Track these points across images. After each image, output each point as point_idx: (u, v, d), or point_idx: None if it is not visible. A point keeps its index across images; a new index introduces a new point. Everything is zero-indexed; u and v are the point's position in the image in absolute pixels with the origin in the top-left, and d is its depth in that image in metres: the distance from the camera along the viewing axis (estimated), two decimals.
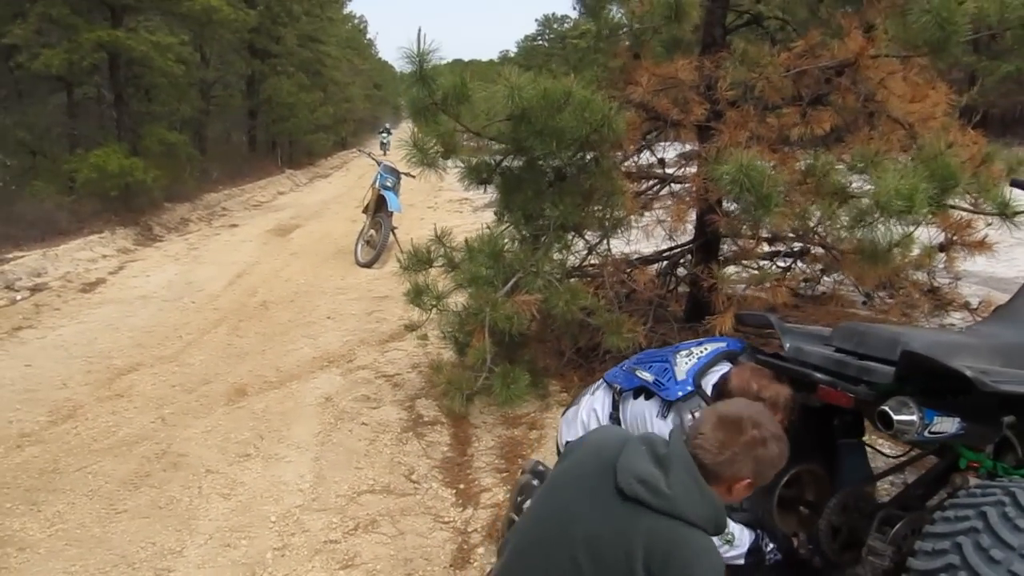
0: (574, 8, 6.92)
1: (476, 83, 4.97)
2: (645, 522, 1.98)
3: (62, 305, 8.66)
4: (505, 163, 5.48)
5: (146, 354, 6.88)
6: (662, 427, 3.13)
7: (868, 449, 3.42)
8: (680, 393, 3.15)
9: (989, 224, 5.55)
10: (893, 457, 3.84)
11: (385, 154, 25.95)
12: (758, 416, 2.18)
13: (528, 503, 3.15)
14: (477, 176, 5.53)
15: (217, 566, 3.74)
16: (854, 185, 4.55)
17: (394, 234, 11.13)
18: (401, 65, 4.78)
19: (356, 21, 49.98)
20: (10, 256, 9.76)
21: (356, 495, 4.39)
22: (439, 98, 4.71)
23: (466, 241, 5.35)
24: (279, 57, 24.76)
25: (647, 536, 1.97)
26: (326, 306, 8.63)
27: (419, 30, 4.57)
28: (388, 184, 11.32)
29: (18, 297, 8.71)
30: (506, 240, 5.30)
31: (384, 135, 34.83)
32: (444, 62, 4.74)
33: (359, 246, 11.24)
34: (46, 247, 10.50)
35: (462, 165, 5.52)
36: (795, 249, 6.22)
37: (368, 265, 10.74)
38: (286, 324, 7.91)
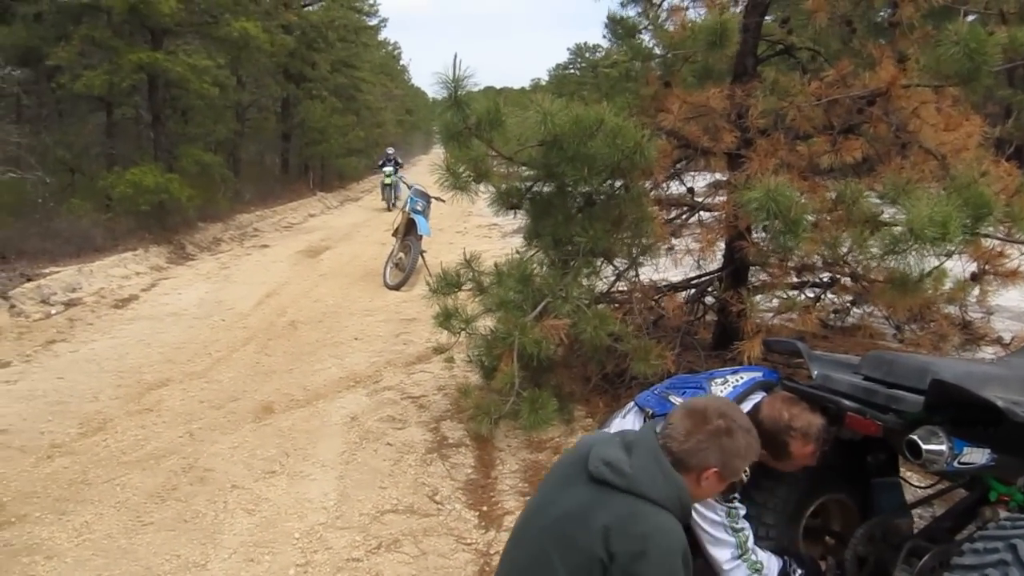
0: (604, 36, 6.99)
1: (508, 109, 5.02)
2: (607, 500, 2.08)
3: (95, 320, 8.79)
4: (535, 188, 5.52)
5: (176, 370, 6.96)
6: None
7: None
8: None
9: (1023, 254, 5.50)
10: (922, 489, 3.79)
11: (387, 203, 22.86)
12: (725, 408, 2.27)
13: None
14: (507, 201, 5.57)
15: None
16: (885, 215, 4.53)
17: (423, 258, 11.20)
18: (436, 91, 4.84)
19: (390, 48, 50.37)
20: (46, 271, 9.92)
21: (380, 514, 4.40)
22: (472, 123, 4.75)
23: (495, 265, 5.38)
24: (313, 82, 25.09)
25: (608, 513, 2.05)
26: (354, 327, 8.68)
27: (455, 56, 4.63)
28: (418, 208, 11.42)
29: (53, 311, 8.85)
30: (535, 265, 5.32)
31: (387, 168, 23.11)
32: (478, 88, 4.79)
33: (388, 269, 11.32)
34: (81, 263, 10.66)
35: (493, 190, 5.56)
36: (824, 280, 6.19)
37: (396, 288, 10.80)
38: (314, 344, 7.97)
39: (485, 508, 4.51)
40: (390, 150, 24.71)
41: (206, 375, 6.84)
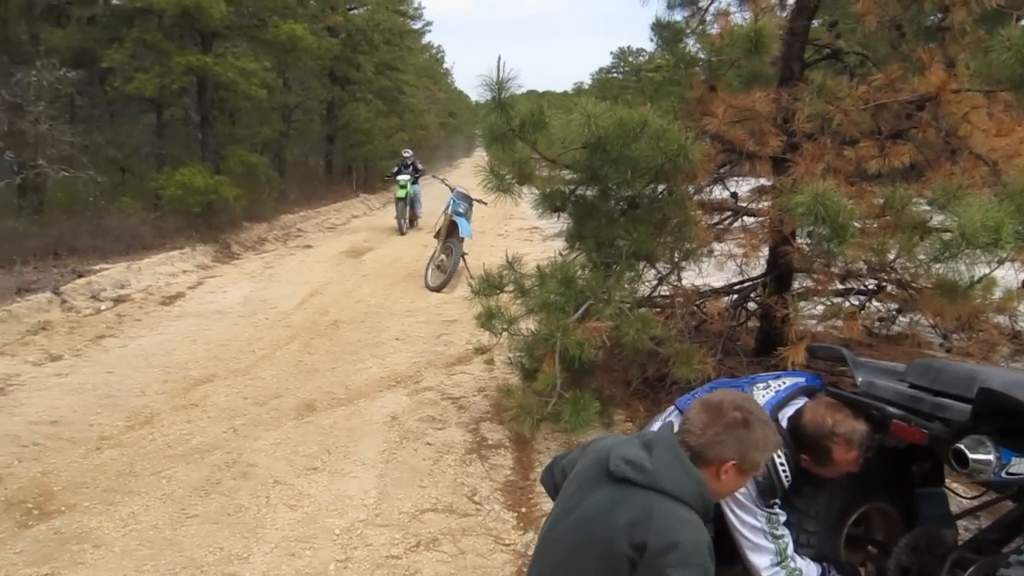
0: (652, 40, 6.97)
1: (552, 111, 5.03)
2: (630, 497, 2.07)
3: (143, 316, 8.96)
4: (579, 191, 5.53)
5: (220, 366, 7.08)
6: None
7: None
8: None
9: None
10: (967, 500, 3.73)
11: (400, 224, 17.75)
12: (741, 400, 2.23)
13: None
14: (550, 203, 5.57)
15: (281, 574, 3.81)
16: (933, 221, 4.46)
17: (464, 260, 11.25)
18: (479, 93, 4.87)
19: (433, 51, 50.64)
20: (97, 268, 10.13)
21: (419, 513, 4.44)
22: (516, 125, 4.78)
23: (538, 267, 5.39)
24: (358, 84, 25.29)
25: (631, 510, 2.04)
26: (395, 328, 8.75)
27: (499, 58, 4.65)
28: (460, 210, 11.47)
29: (102, 307, 9.04)
30: (577, 267, 5.32)
31: (403, 176, 17.66)
32: (521, 91, 4.81)
33: (429, 270, 11.38)
34: (130, 260, 10.87)
35: (536, 192, 5.57)
36: (869, 287, 6.11)
37: (438, 289, 10.86)
38: (356, 343, 8.05)
39: (524, 509, 4.52)
40: (407, 152, 18.79)
41: (250, 372, 6.94)
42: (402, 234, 17.46)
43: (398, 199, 17.94)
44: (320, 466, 5.03)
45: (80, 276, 9.60)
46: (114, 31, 14.50)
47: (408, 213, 17.97)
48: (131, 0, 13.33)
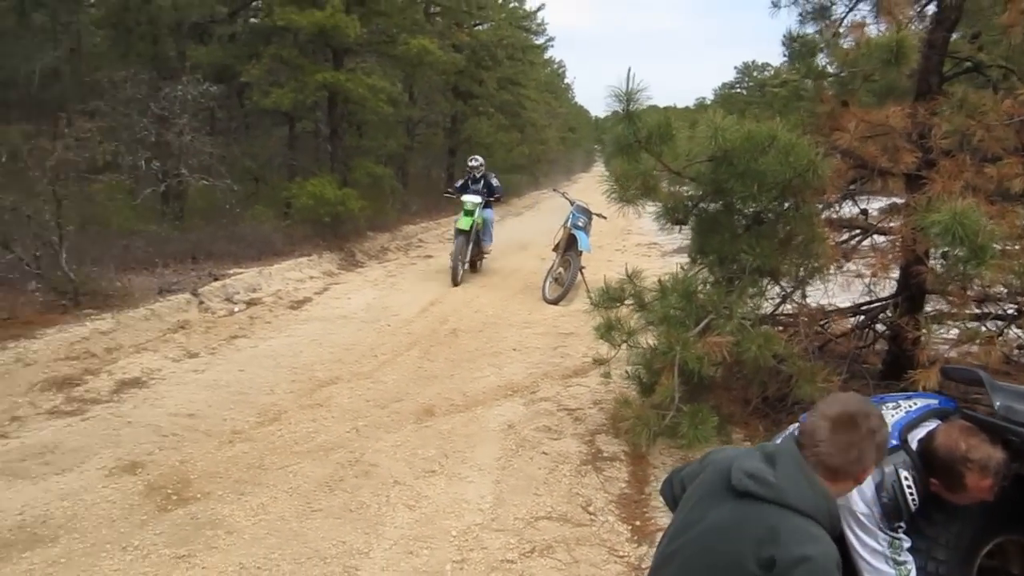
0: (783, 55, 6.86)
1: (678, 124, 5.02)
2: (755, 513, 2.02)
3: (273, 319, 9.37)
4: (703, 205, 5.48)
5: (344, 369, 7.33)
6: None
7: None
8: None
9: None
10: None
11: (456, 267, 12.16)
12: (862, 404, 2.17)
13: None
14: (673, 216, 5.55)
15: (400, 571, 3.93)
16: None
17: (582, 273, 11.27)
18: (605, 106, 4.91)
19: (555, 66, 50.87)
20: (231, 272, 10.65)
21: (534, 520, 4.49)
22: (643, 136, 4.79)
23: (659, 280, 5.38)
24: (480, 98, 25.69)
25: (758, 525, 2.00)
26: (512, 338, 8.85)
27: (628, 70, 4.68)
28: (579, 224, 11.50)
29: (235, 309, 9.50)
30: (699, 282, 5.28)
31: (470, 197, 12.59)
32: (650, 102, 4.82)
33: (547, 283, 11.45)
34: (262, 266, 11.37)
35: (659, 205, 5.56)
36: (1008, 312, 5.82)
37: (555, 302, 10.91)
38: (473, 352, 8.18)
39: (638, 523, 4.52)
40: (475, 161, 13.37)
41: (372, 376, 7.16)
42: (455, 284, 12.04)
43: (458, 232, 12.30)
44: (438, 469, 5.15)
45: (216, 279, 10.12)
46: (252, 48, 15.29)
47: (470, 251, 12.58)
48: (271, 19, 13.98)
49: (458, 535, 4.29)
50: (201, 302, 9.28)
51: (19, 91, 16.01)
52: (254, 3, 17.15)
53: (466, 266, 12.61)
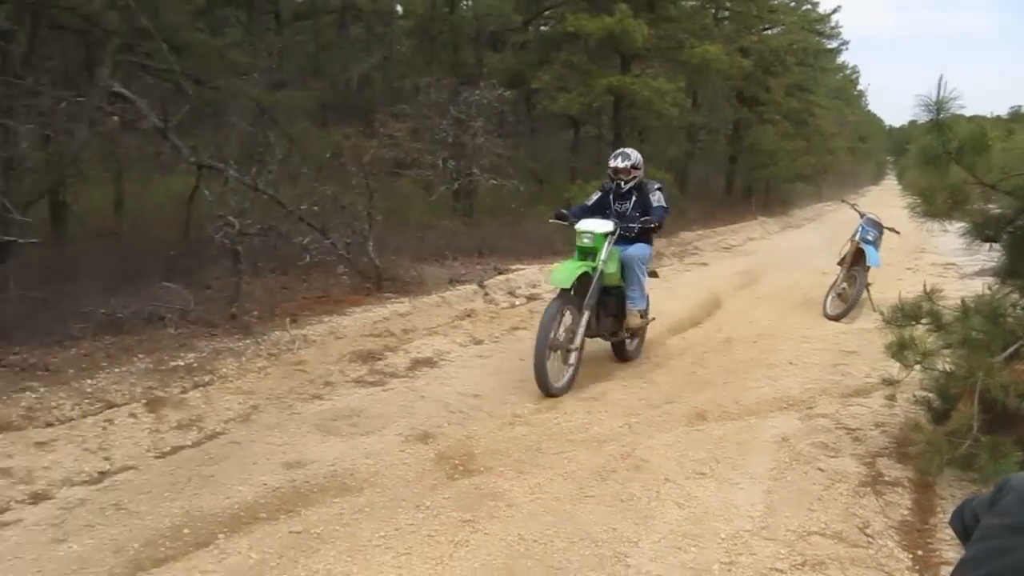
0: None
1: (994, 134, 4.70)
2: None
3: None
4: (1019, 222, 5.07)
5: (616, 368, 7.52)
6: None
7: None
8: None
9: None
10: None
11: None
12: None
13: None
14: (983, 234, 5.18)
15: (667, 564, 4.00)
16: None
17: (868, 290, 10.69)
18: (915, 113, 4.67)
19: (848, 71, 48.18)
20: (513, 267, 11.27)
21: (806, 534, 4.38)
22: (953, 148, 4.53)
23: (962, 300, 5.04)
24: (766, 105, 25.04)
25: None
26: (789, 352, 8.60)
27: (940, 78, 4.47)
28: (869, 238, 10.90)
29: (517, 302, 10.06)
30: (1008, 305, 4.89)
31: (612, 206, 7.46)
32: (961, 111, 4.55)
33: (829, 298, 10.97)
34: (542, 263, 11.88)
35: (966, 222, 5.21)
36: None
37: (837, 318, 10.43)
38: (747, 362, 8.06)
39: (920, 552, 4.27)
40: (623, 160, 7.47)
41: (645, 376, 7.31)
42: (545, 393, 6.52)
43: (557, 288, 6.89)
44: (708, 472, 5.16)
45: (500, 273, 10.76)
46: (543, 55, 16.00)
47: (589, 324, 6.98)
48: (563, 26, 14.57)
49: (727, 538, 4.29)
50: (486, 293, 9.91)
51: (338, 95, 17.84)
52: (546, 12, 17.95)
53: (578, 353, 6.87)
